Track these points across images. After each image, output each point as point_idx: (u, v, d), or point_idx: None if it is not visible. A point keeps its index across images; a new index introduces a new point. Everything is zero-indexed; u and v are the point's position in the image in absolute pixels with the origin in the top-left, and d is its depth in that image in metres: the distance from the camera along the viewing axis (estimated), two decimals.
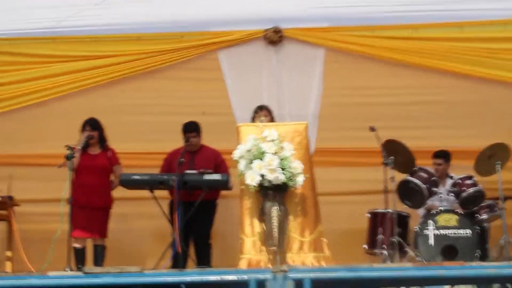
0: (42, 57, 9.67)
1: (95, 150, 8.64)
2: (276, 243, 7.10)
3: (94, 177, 8.50)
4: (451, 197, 8.54)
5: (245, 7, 9.62)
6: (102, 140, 8.70)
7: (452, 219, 8.24)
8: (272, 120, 8.39)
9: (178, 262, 7.69)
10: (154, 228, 9.14)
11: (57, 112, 9.58)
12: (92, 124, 8.62)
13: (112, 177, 8.67)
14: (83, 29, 9.58)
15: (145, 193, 8.30)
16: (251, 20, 9.60)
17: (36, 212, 9.24)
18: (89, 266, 7.70)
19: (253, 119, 8.48)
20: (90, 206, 8.41)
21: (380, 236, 8.46)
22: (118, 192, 8.67)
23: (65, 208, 7.80)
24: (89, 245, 8.52)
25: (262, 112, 8.42)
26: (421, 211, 8.88)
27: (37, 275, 6.97)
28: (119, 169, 8.66)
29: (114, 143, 8.79)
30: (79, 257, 8.33)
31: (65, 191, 7.77)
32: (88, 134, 8.50)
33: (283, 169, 7.10)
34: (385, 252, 8.25)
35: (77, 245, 8.35)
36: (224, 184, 8.22)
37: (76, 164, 8.30)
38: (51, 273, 6.86)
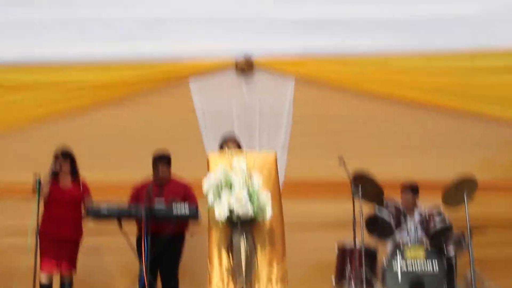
0: (6, 86, 9.55)
1: (66, 182, 8.54)
2: (244, 277, 7.09)
3: (65, 209, 8.41)
4: (419, 230, 8.55)
5: (215, 36, 9.62)
6: (74, 171, 8.60)
7: (420, 253, 8.25)
8: (239, 148, 8.38)
9: None
10: (121, 261, 9.06)
11: (23, 141, 9.47)
12: (64, 154, 8.52)
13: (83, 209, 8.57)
14: (51, 58, 9.49)
15: (113, 226, 8.20)
16: (222, 50, 9.61)
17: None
18: None
19: (221, 148, 8.46)
20: (60, 239, 8.31)
21: (348, 271, 8.46)
22: (86, 224, 8.59)
23: (31, 241, 7.71)
24: (56, 282, 8.38)
25: (230, 142, 8.38)
26: (389, 245, 8.89)
27: None
28: (89, 200, 8.54)
29: (82, 173, 8.68)
30: None
31: (31, 223, 7.68)
32: (52, 168, 8.38)
33: (251, 200, 7.09)
34: (353, 286, 8.24)
35: (44, 281, 8.24)
36: (193, 216, 8.15)
37: (44, 195, 8.21)
38: None
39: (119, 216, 8.12)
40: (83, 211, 8.52)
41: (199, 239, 8.31)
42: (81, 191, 8.54)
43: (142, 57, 9.60)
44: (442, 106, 9.48)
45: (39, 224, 7.97)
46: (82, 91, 9.55)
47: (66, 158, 8.50)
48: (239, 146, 8.45)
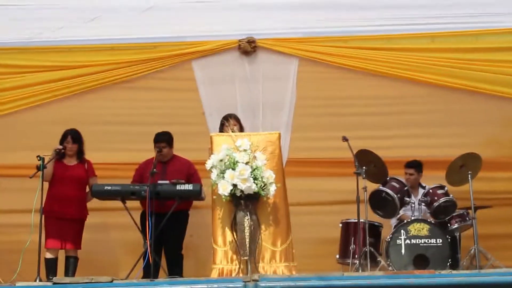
0: (13, 68, 9.62)
1: (71, 161, 8.57)
2: (248, 253, 7.11)
3: (70, 188, 8.42)
4: (423, 207, 8.55)
5: (219, 17, 9.64)
6: (80, 153, 8.63)
7: (424, 229, 8.24)
8: (241, 129, 8.38)
9: (150, 273, 7.64)
10: (126, 239, 9.09)
11: (29, 122, 9.53)
12: (73, 136, 8.55)
13: (87, 189, 8.60)
14: (56, 39, 9.53)
15: (117, 203, 8.24)
16: (225, 31, 9.63)
17: (6, 223, 9.17)
18: (59, 277, 7.62)
19: (222, 128, 8.48)
20: (64, 217, 8.33)
21: (352, 246, 8.48)
22: (91, 202, 8.61)
23: (36, 219, 7.75)
24: (61, 257, 8.42)
25: (231, 121, 8.41)
26: (393, 221, 8.90)
27: (5, 286, 6.93)
28: (94, 181, 8.58)
29: (87, 152, 8.72)
30: (51, 268, 8.24)
31: (36, 201, 7.72)
32: (57, 148, 8.41)
33: (255, 179, 7.12)
34: (357, 262, 8.24)
35: (49, 256, 8.28)
36: (196, 194, 8.19)
37: (49, 174, 8.25)
38: (19, 284, 6.82)
39: (123, 195, 8.16)
40: (87, 190, 8.56)
41: (203, 215, 8.32)
42: (86, 171, 8.57)
43: (146, 39, 9.65)
44: (446, 84, 9.47)
45: (44, 203, 7.98)
46: (88, 73, 9.57)
47: (74, 139, 8.54)
48: (240, 125, 8.47)
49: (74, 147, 8.55)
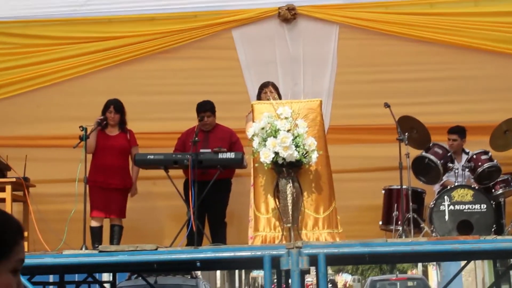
0: (55, 39, 9.67)
1: (113, 132, 8.64)
2: (291, 220, 7.13)
3: (113, 157, 8.50)
4: (467, 172, 8.47)
5: None
6: (122, 123, 8.69)
7: (468, 195, 8.17)
8: (279, 96, 8.36)
9: (193, 240, 7.70)
10: (170, 208, 9.18)
11: (72, 93, 9.61)
12: (116, 106, 8.61)
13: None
14: (97, 10, 9.57)
15: (161, 172, 8.30)
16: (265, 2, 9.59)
17: (52, 193, 9.26)
18: (105, 245, 7.73)
19: (259, 96, 8.47)
20: (108, 187, 8.42)
21: (395, 213, 8.47)
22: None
23: (80, 189, 7.85)
24: (106, 226, 8.54)
25: (268, 89, 8.39)
26: (436, 187, 8.84)
27: (52, 254, 7.04)
28: (136, 150, 8.65)
29: (129, 123, 8.79)
30: (96, 236, 8.36)
31: (79, 172, 7.81)
32: (99, 118, 8.47)
33: (297, 146, 7.11)
34: (400, 228, 8.22)
35: (94, 224, 8.39)
36: (239, 163, 8.20)
37: (92, 145, 8.33)
38: (66, 252, 6.93)
39: (165, 164, 8.21)
40: (130, 161, 8.63)
41: (245, 183, 8.35)
42: (128, 140, 8.64)
43: (186, 8, 9.64)
44: (489, 49, 9.32)
45: (88, 172, 8.07)
46: (128, 43, 9.60)
47: (116, 108, 8.59)
48: (278, 93, 8.45)
49: (116, 117, 8.60)
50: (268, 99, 7.96)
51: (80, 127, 7.97)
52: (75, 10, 9.54)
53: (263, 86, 8.48)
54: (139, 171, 8.65)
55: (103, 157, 8.47)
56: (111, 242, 8.36)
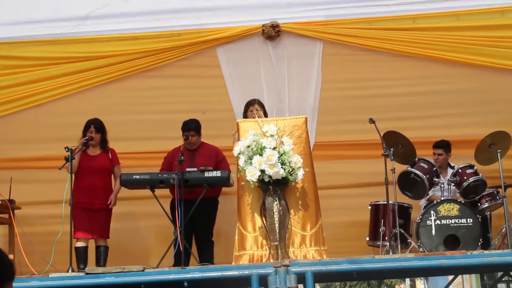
0: (39, 60, 9.64)
1: (95, 151, 8.61)
2: (278, 238, 7.11)
3: (95, 178, 8.47)
4: (452, 187, 8.50)
5: (242, 3, 9.62)
6: (103, 142, 8.67)
7: (454, 209, 8.18)
8: (265, 114, 8.36)
9: (181, 260, 7.67)
10: (156, 227, 9.14)
11: (56, 114, 9.56)
12: (96, 126, 8.59)
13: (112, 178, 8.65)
14: (81, 31, 9.56)
15: (147, 192, 8.27)
16: (249, 16, 9.60)
17: (37, 214, 9.21)
18: (91, 267, 7.68)
19: (245, 114, 8.47)
20: (92, 208, 8.39)
21: (382, 228, 8.48)
22: (119, 191, 8.65)
23: (66, 210, 7.81)
24: (92, 247, 8.50)
25: (254, 107, 8.39)
26: (422, 202, 8.87)
27: (39, 277, 6.98)
28: (119, 169, 8.62)
29: (113, 143, 8.77)
30: (81, 256, 8.30)
31: (66, 192, 7.78)
32: (85, 138, 8.45)
33: (283, 164, 7.11)
34: (387, 244, 8.22)
35: (79, 244, 8.34)
36: (225, 181, 8.19)
37: (75, 166, 8.29)
38: (52, 275, 6.88)
39: (152, 184, 8.18)
40: (112, 179, 8.59)
41: (233, 201, 8.34)
42: (110, 160, 8.61)
43: (169, 27, 9.64)
44: (472, 63, 9.38)
45: (72, 193, 8.03)
46: (112, 63, 9.59)
47: (96, 128, 8.57)
48: (264, 111, 8.45)
49: (97, 136, 8.58)
50: (254, 117, 7.96)
51: (65, 148, 7.94)
52: (61, 31, 9.52)
53: (249, 104, 8.49)
54: (121, 188, 8.61)
55: (86, 178, 8.43)
56: (97, 263, 8.31)
